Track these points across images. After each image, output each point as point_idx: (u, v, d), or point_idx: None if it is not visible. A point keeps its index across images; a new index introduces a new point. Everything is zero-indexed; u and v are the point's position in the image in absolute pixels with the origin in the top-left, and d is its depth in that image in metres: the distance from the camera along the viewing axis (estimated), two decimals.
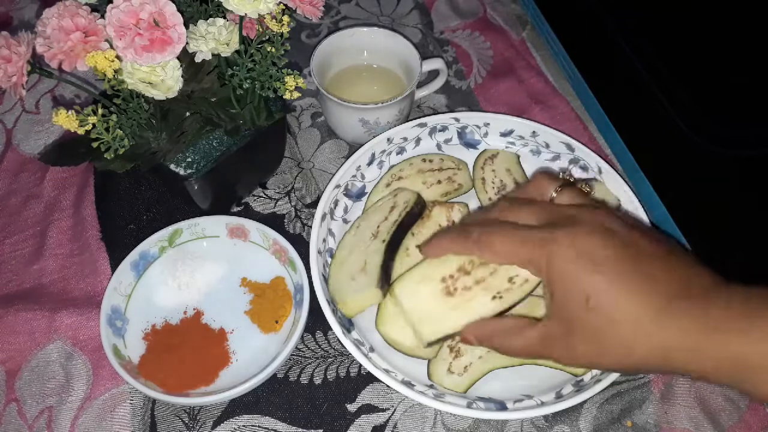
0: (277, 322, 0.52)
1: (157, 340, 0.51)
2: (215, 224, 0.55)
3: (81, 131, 0.45)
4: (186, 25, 0.44)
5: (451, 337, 0.47)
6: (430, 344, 0.47)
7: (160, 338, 0.51)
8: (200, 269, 0.55)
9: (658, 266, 0.35)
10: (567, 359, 0.39)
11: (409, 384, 0.47)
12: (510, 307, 0.49)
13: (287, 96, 0.49)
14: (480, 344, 0.43)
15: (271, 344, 0.51)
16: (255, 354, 0.50)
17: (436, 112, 0.66)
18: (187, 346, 0.51)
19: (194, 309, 0.53)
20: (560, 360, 0.40)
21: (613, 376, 0.47)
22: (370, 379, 0.51)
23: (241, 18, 0.46)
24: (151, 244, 0.54)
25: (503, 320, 0.42)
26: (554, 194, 0.42)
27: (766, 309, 0.33)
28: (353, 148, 0.63)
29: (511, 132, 0.60)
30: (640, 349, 0.35)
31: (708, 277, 0.36)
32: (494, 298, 0.48)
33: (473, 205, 0.57)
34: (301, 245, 0.54)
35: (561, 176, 0.43)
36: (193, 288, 0.54)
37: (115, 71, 0.44)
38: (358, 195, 0.59)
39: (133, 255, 0.53)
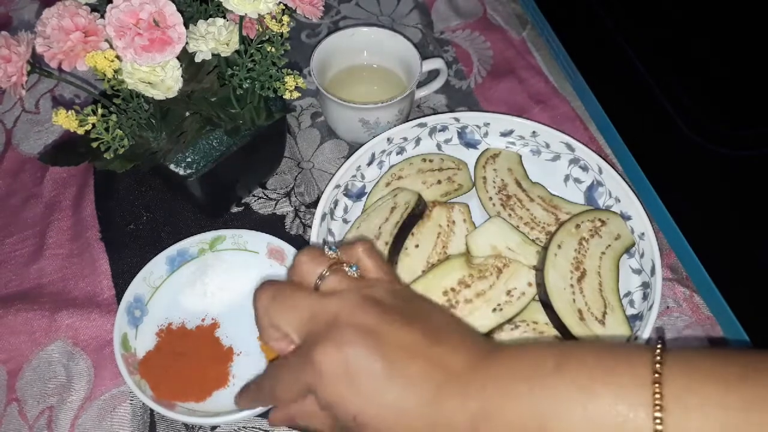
0: None
1: (168, 340, 0.51)
2: (258, 240, 0.54)
3: (81, 131, 0.45)
4: (186, 25, 0.44)
5: None
6: None
7: (171, 339, 0.51)
8: (230, 281, 0.54)
9: (417, 362, 0.35)
10: None
11: None
12: (510, 319, 0.49)
13: (287, 96, 0.49)
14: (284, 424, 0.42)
15: None
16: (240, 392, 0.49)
17: (436, 112, 0.66)
18: (192, 356, 0.50)
19: (212, 319, 0.52)
20: None
21: None
22: None
23: (241, 18, 0.46)
24: (192, 243, 0.53)
25: (305, 404, 0.39)
26: (319, 282, 0.39)
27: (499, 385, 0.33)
28: (353, 148, 0.63)
29: (511, 132, 0.60)
30: None
31: (464, 347, 0.36)
32: (494, 310, 0.49)
33: (473, 205, 0.57)
34: (301, 245, 0.54)
35: (327, 251, 0.41)
36: (217, 297, 0.53)
37: (115, 71, 0.44)
38: (358, 195, 0.59)
39: (171, 250, 0.53)
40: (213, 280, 0.54)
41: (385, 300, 0.38)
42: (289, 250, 0.53)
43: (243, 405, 0.45)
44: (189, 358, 0.50)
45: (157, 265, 0.52)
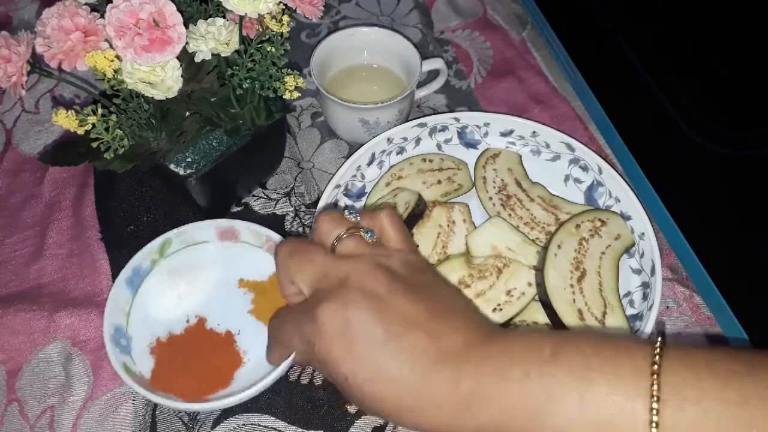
0: None
1: (164, 352, 0.50)
2: (204, 230, 0.54)
3: (81, 131, 0.45)
4: (186, 25, 0.44)
5: None
6: None
7: (168, 350, 0.51)
8: (196, 277, 0.54)
9: (416, 334, 0.35)
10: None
11: None
12: (510, 319, 0.49)
13: (287, 96, 0.49)
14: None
15: None
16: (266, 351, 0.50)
17: (436, 112, 0.66)
18: (196, 354, 0.50)
19: (196, 317, 0.52)
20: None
21: None
22: None
23: (241, 18, 0.46)
24: (142, 258, 0.52)
25: (307, 353, 0.40)
26: (336, 243, 0.40)
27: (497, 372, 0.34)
28: (353, 148, 0.63)
29: (511, 132, 0.60)
30: (407, 422, 0.36)
31: (466, 327, 0.36)
32: (494, 310, 0.49)
33: (473, 205, 0.57)
34: None
35: (347, 215, 0.42)
36: (192, 296, 0.53)
37: (115, 71, 0.44)
38: (358, 195, 0.59)
39: (126, 271, 0.52)
40: (179, 284, 0.54)
41: (397, 270, 0.38)
42: (240, 225, 0.54)
43: (273, 361, 0.46)
44: (194, 357, 0.50)
45: (119, 291, 0.51)
